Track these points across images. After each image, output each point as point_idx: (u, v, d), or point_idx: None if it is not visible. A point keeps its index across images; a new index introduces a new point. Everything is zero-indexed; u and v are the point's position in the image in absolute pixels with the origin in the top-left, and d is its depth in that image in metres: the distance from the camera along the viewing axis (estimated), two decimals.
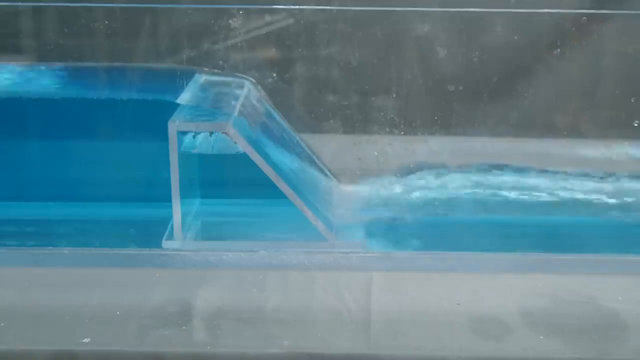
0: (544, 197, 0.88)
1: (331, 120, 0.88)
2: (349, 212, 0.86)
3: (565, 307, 0.72)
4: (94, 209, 0.87)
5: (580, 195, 0.88)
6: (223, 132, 0.77)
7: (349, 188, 0.89)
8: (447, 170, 0.89)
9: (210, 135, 0.79)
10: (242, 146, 0.77)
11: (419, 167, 0.89)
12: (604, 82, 0.87)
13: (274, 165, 0.78)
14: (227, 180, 0.87)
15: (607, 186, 0.88)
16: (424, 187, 0.88)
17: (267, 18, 0.85)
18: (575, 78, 0.87)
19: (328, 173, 0.89)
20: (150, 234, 0.81)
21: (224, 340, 0.68)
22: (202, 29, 0.85)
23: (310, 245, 0.79)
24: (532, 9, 0.84)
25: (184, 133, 0.79)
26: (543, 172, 0.89)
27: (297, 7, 0.85)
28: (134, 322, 0.70)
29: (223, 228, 0.84)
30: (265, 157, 0.78)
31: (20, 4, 0.84)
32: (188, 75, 0.86)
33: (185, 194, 0.79)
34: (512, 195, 0.88)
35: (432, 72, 0.87)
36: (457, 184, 0.88)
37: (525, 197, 0.88)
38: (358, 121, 0.88)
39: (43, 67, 0.87)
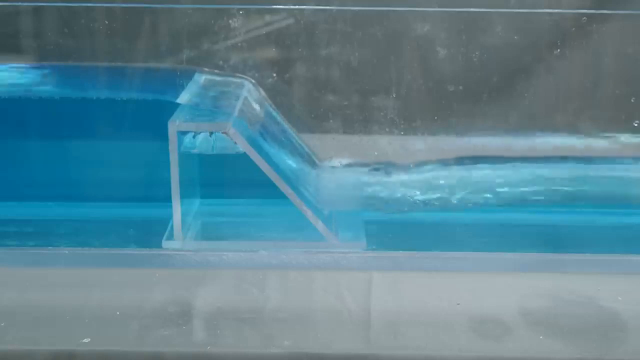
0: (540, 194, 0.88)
1: (331, 120, 0.88)
2: (349, 212, 0.86)
3: (565, 307, 0.72)
4: (94, 209, 0.87)
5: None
6: (223, 132, 0.77)
7: (348, 187, 0.89)
8: (447, 169, 0.89)
9: (210, 135, 0.79)
10: (242, 146, 0.77)
11: (419, 167, 0.89)
12: (604, 82, 0.87)
13: (274, 165, 0.78)
14: (227, 180, 0.87)
15: None
16: (423, 186, 0.88)
17: (267, 18, 0.85)
18: (575, 78, 0.87)
19: (327, 172, 0.89)
20: (150, 234, 0.81)
21: (224, 340, 0.68)
22: (202, 29, 0.85)
23: (310, 245, 0.79)
24: (532, 9, 0.84)
25: (184, 133, 0.79)
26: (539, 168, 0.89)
27: (297, 7, 0.85)
28: (134, 322, 0.70)
29: (223, 228, 0.84)
30: (265, 157, 0.78)
31: (20, 4, 0.84)
32: (188, 75, 0.86)
33: (185, 194, 0.79)
34: (511, 192, 0.88)
35: (432, 72, 0.87)
36: (455, 182, 0.88)
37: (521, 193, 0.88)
38: (358, 121, 0.88)
39: (43, 67, 0.87)
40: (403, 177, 0.89)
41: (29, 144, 0.88)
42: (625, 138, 0.88)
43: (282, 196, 0.78)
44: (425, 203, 0.87)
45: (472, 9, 0.84)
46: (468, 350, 0.67)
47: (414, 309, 0.72)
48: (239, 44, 0.86)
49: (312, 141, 0.89)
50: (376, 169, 0.89)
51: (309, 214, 0.79)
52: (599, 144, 0.88)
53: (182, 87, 0.85)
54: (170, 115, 0.79)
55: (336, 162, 0.90)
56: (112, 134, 0.88)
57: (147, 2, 0.84)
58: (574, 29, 0.85)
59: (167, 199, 0.78)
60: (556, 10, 0.84)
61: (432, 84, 0.87)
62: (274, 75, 0.87)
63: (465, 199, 0.87)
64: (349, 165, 0.90)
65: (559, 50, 0.85)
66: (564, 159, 0.89)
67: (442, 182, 0.88)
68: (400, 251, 0.80)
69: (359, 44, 0.86)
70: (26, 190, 0.88)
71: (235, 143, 0.77)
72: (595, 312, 0.72)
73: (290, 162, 0.84)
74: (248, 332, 0.68)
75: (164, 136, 0.77)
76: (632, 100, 0.86)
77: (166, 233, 0.80)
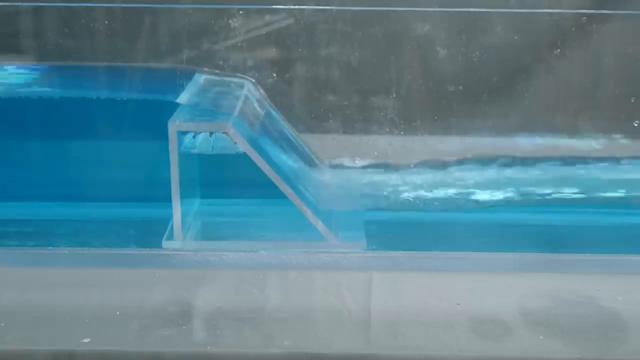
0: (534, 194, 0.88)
1: (331, 120, 0.88)
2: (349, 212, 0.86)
3: (566, 307, 0.72)
4: (94, 209, 0.87)
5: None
6: (223, 132, 0.77)
7: (348, 187, 0.89)
8: (447, 169, 0.89)
9: (210, 135, 0.79)
10: (242, 146, 0.77)
11: (419, 167, 0.89)
12: (604, 82, 0.87)
13: (274, 165, 0.78)
14: (227, 180, 0.87)
15: None
16: (424, 186, 0.88)
17: (267, 18, 0.85)
18: (574, 78, 0.87)
19: (327, 172, 0.89)
20: (150, 234, 0.81)
21: (224, 340, 0.68)
22: (202, 29, 0.85)
23: (310, 245, 0.79)
24: (532, 9, 0.84)
25: (184, 133, 0.79)
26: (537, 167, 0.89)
27: (297, 7, 0.85)
28: (134, 322, 0.70)
29: (223, 228, 0.84)
30: (265, 157, 0.78)
31: (20, 3, 0.84)
32: (188, 75, 0.86)
33: (185, 194, 0.79)
34: (513, 192, 0.88)
35: (432, 72, 0.87)
36: (455, 182, 0.88)
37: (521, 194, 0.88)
38: (358, 121, 0.88)
39: (43, 67, 0.87)
40: (403, 177, 0.89)
41: (29, 144, 0.88)
42: (625, 138, 0.88)
43: (282, 196, 0.78)
44: (425, 203, 0.87)
45: (472, 9, 0.84)
46: (468, 350, 0.67)
47: (414, 309, 0.72)
48: (239, 44, 0.86)
49: (312, 141, 0.89)
50: (376, 169, 0.89)
51: (309, 214, 0.79)
52: (598, 144, 0.88)
53: (182, 87, 0.85)
54: (170, 115, 0.79)
55: (336, 162, 0.90)
56: (112, 134, 0.88)
57: (147, 2, 0.84)
58: (574, 29, 0.85)
59: (167, 199, 0.78)
60: (556, 10, 0.84)
61: (432, 84, 0.87)
62: (274, 75, 0.87)
63: (465, 199, 0.88)
64: (349, 165, 0.90)
65: (558, 50, 0.85)
66: (564, 159, 0.89)
67: (442, 182, 0.89)
68: (400, 251, 0.80)
69: (359, 44, 0.86)
70: (26, 190, 0.88)
71: (235, 143, 0.77)
72: (595, 312, 0.72)
73: (290, 162, 0.84)
74: (248, 332, 0.68)
75: (164, 136, 0.77)
76: (632, 100, 0.86)
77: (166, 233, 0.80)
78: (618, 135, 0.88)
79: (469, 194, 0.88)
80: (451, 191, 0.88)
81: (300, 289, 0.74)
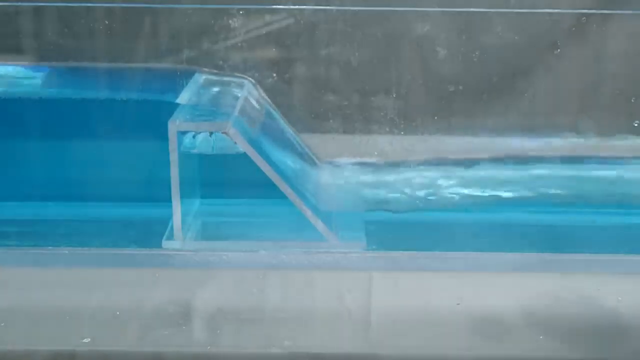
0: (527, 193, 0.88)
1: (331, 120, 0.88)
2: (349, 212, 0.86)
3: (566, 307, 0.72)
4: (94, 209, 0.87)
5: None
6: (223, 132, 0.77)
7: (348, 187, 0.89)
8: (447, 169, 0.89)
9: (210, 135, 0.79)
10: (242, 146, 0.77)
11: (419, 166, 0.89)
12: (604, 82, 0.87)
13: (274, 165, 0.78)
14: (227, 180, 0.87)
15: None
16: (423, 186, 0.88)
17: (267, 18, 0.85)
18: (574, 78, 0.87)
19: (327, 172, 0.89)
20: (150, 234, 0.81)
21: (224, 340, 0.68)
22: (202, 29, 0.85)
23: (310, 245, 0.79)
24: (532, 9, 0.84)
25: (184, 133, 0.79)
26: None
27: (297, 7, 0.85)
28: (134, 322, 0.70)
29: (223, 228, 0.84)
30: (265, 157, 0.78)
31: (20, 4, 0.84)
32: (188, 75, 0.86)
33: (185, 194, 0.79)
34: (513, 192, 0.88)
35: (432, 72, 0.87)
36: (455, 182, 0.88)
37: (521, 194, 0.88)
38: (358, 121, 0.88)
39: (43, 67, 0.87)
40: (403, 177, 0.89)
41: (29, 144, 0.88)
42: (625, 138, 0.88)
43: (282, 196, 0.78)
44: (425, 203, 0.87)
45: (472, 9, 0.84)
46: (468, 350, 0.67)
47: (414, 309, 0.72)
48: (239, 44, 0.86)
49: (312, 141, 0.89)
50: (376, 169, 0.89)
51: (309, 214, 0.79)
52: (598, 144, 0.89)
53: (182, 87, 0.85)
54: (170, 115, 0.79)
55: (336, 161, 0.90)
56: (112, 134, 0.88)
57: (147, 2, 0.84)
58: (573, 29, 0.85)
59: (167, 199, 0.78)
60: (556, 10, 0.84)
61: (432, 84, 0.87)
62: (274, 75, 0.87)
63: (465, 198, 0.88)
64: (349, 165, 0.90)
65: (558, 50, 0.85)
66: (564, 159, 0.89)
67: (441, 182, 0.89)
68: (400, 251, 0.80)
69: (359, 44, 0.86)
70: (26, 190, 0.88)
71: (235, 143, 0.77)
72: (595, 312, 0.72)
73: (290, 162, 0.84)
74: (248, 332, 0.68)
75: (164, 136, 0.77)
76: (632, 100, 0.86)
77: (166, 233, 0.80)
78: (618, 135, 0.88)
79: (469, 193, 0.88)
80: (451, 191, 0.88)
81: (300, 289, 0.74)
